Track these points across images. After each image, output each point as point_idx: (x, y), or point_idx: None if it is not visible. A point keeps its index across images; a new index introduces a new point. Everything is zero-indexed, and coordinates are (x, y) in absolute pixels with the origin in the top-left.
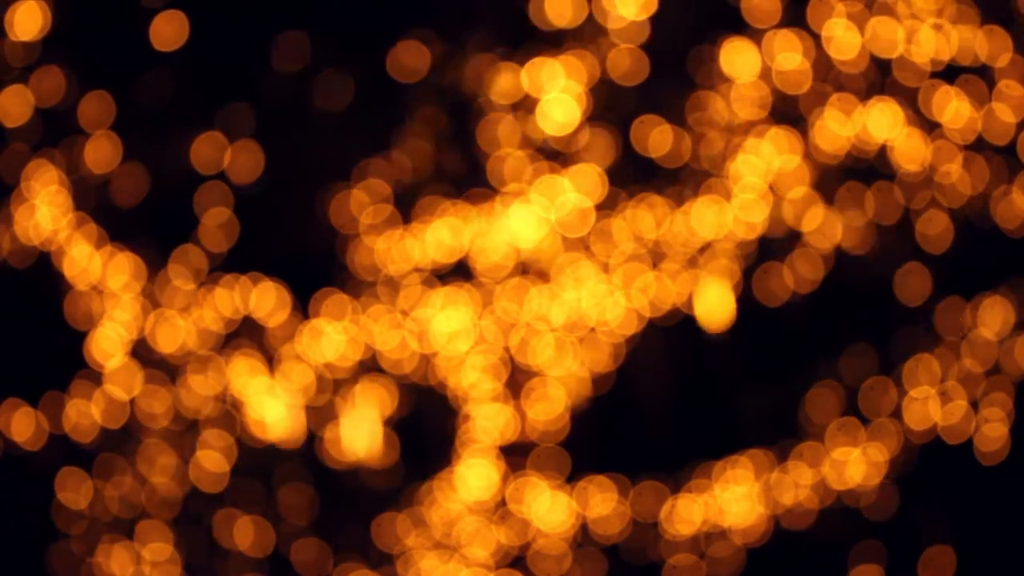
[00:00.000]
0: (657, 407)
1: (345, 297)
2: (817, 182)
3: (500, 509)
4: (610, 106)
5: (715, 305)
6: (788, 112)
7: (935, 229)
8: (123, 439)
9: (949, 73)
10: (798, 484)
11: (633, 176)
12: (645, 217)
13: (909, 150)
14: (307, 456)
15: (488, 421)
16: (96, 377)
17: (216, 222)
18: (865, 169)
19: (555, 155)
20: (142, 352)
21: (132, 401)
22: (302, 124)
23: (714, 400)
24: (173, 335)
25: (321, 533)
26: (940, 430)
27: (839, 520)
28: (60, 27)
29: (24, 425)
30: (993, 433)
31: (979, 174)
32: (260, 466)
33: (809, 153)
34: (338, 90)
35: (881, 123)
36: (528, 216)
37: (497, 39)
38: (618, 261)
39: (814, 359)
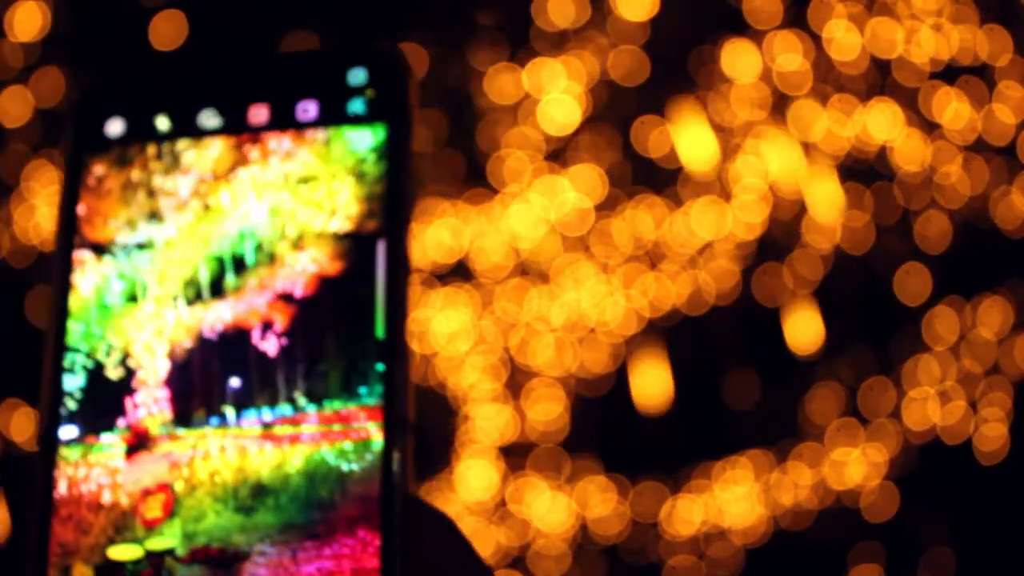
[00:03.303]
0: (657, 407)
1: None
2: (817, 182)
3: (500, 509)
4: (610, 106)
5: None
6: (788, 112)
7: (934, 230)
8: None
9: (949, 74)
10: (798, 484)
11: (633, 176)
12: (645, 218)
13: (909, 151)
14: None
15: (488, 421)
16: None
17: None
18: (865, 170)
19: (555, 155)
20: None
21: None
22: None
23: (714, 400)
24: None
25: None
26: (939, 430)
27: (839, 520)
28: (60, 27)
29: (24, 425)
30: (992, 433)
31: (979, 175)
32: None
33: (809, 153)
34: None
35: (881, 124)
36: (528, 216)
37: (497, 39)
38: (618, 262)
39: (814, 359)
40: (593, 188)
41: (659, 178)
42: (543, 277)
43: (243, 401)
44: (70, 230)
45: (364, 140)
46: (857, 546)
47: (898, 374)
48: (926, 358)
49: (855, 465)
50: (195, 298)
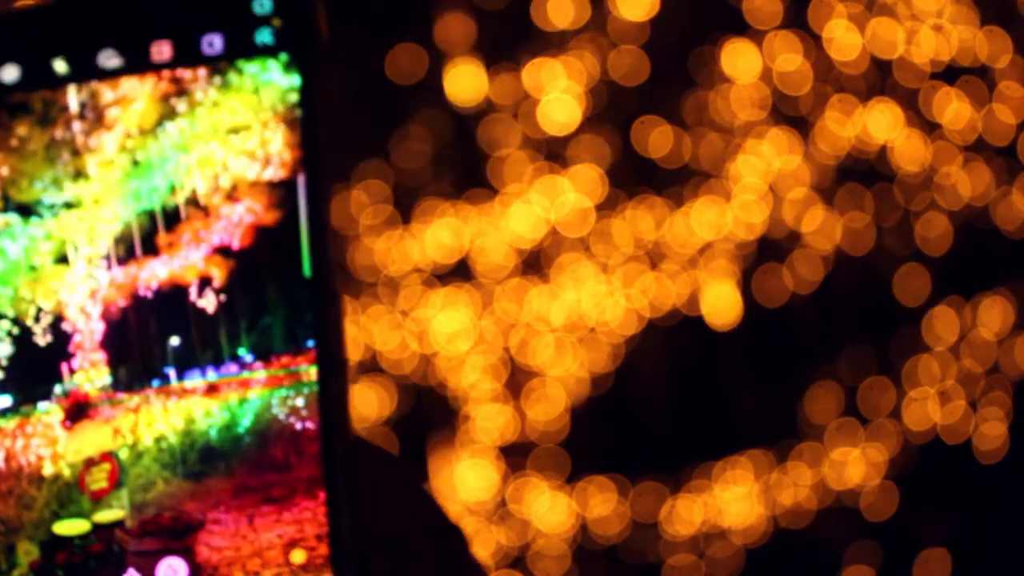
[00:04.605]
0: (657, 407)
1: (345, 298)
2: (817, 182)
3: (500, 509)
4: (610, 106)
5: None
6: (788, 113)
7: (935, 230)
8: None
9: (949, 74)
10: (797, 484)
11: (633, 176)
12: (645, 217)
13: (909, 151)
14: None
15: (488, 421)
16: None
17: None
18: (865, 170)
19: (555, 155)
20: None
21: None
22: None
23: (714, 400)
24: None
25: None
26: (939, 430)
27: (838, 520)
28: None
29: None
30: (992, 433)
31: (979, 175)
32: None
33: (809, 153)
34: (337, 91)
35: (881, 124)
36: (528, 216)
37: (497, 39)
38: (618, 261)
39: (814, 359)
40: (593, 188)
41: (659, 178)
42: (543, 277)
43: (185, 360)
44: None
45: (273, 73)
46: (856, 546)
47: (898, 374)
48: (926, 358)
49: (855, 465)
50: (126, 256)
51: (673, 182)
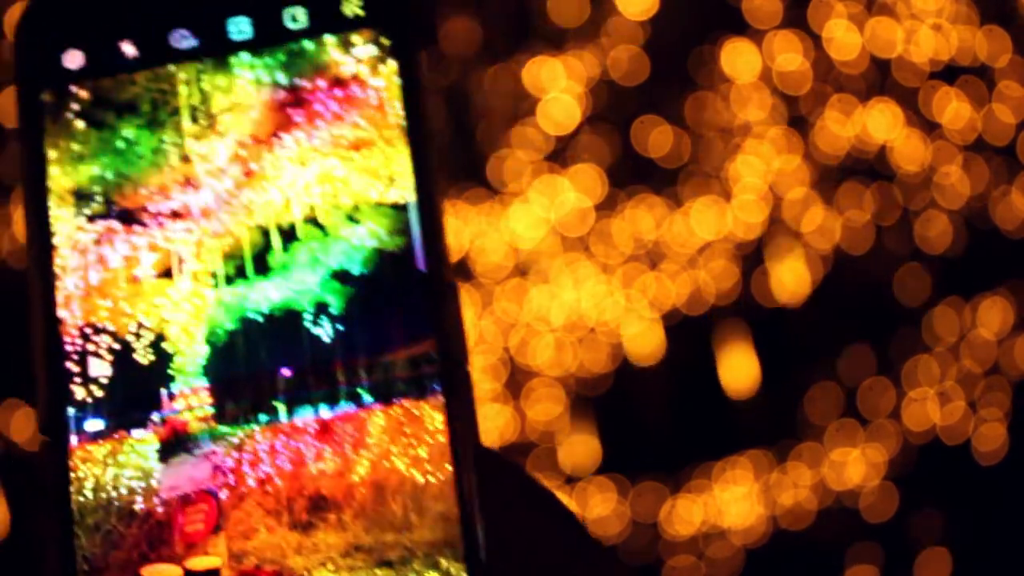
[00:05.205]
0: (657, 407)
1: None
2: (817, 182)
3: None
4: (610, 106)
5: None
6: (788, 113)
7: (934, 230)
8: None
9: (949, 74)
10: (797, 485)
11: (633, 176)
12: (645, 217)
13: (909, 151)
14: None
15: (488, 421)
16: None
17: None
18: (865, 170)
19: (555, 155)
20: None
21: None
22: None
23: (714, 400)
24: None
25: None
26: (939, 430)
27: (838, 521)
28: None
29: (24, 425)
30: (991, 433)
31: (979, 175)
32: None
33: (809, 153)
34: None
35: (881, 124)
36: (528, 216)
37: (497, 39)
38: (617, 261)
39: (814, 359)
40: (593, 188)
41: (659, 178)
42: (543, 277)
43: (296, 395)
44: (41, 181)
45: (365, 49)
46: (856, 546)
47: (898, 374)
48: (926, 358)
49: (854, 465)
50: (237, 275)
51: (673, 182)
